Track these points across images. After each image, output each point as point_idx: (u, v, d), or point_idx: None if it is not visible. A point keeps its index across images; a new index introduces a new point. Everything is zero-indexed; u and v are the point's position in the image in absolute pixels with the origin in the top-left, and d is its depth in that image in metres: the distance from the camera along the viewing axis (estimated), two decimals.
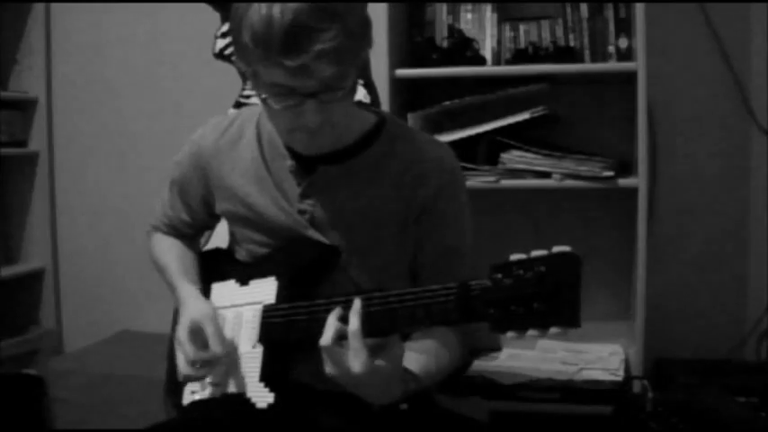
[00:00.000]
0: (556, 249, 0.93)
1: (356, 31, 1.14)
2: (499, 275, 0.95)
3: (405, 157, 1.32)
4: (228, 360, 1.29)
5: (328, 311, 1.14)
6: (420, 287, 1.07)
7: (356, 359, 1.06)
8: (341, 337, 1.08)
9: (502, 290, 0.95)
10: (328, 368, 1.10)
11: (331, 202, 1.32)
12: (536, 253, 0.94)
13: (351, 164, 1.31)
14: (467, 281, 1.01)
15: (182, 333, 1.29)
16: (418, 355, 1.18)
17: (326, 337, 1.09)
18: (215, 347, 1.26)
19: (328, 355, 1.09)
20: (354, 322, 1.07)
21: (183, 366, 1.29)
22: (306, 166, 1.32)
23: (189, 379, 1.30)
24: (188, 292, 1.39)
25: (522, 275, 0.93)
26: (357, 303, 1.08)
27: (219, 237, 1.57)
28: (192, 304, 1.34)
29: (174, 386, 1.44)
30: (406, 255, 1.33)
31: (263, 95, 1.18)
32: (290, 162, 1.33)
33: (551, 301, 0.91)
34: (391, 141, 1.33)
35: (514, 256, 0.96)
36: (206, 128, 1.44)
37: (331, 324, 1.10)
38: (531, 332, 0.93)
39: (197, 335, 1.28)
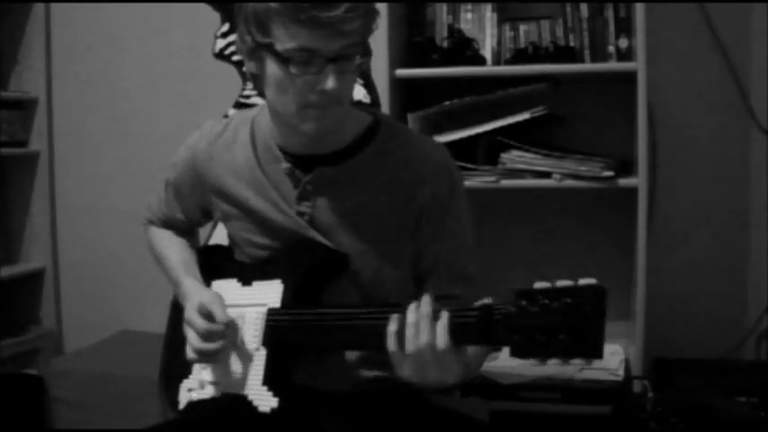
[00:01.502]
0: (582, 282, 0.94)
1: None
2: (524, 302, 0.96)
3: (401, 158, 1.31)
4: (232, 336, 1.30)
5: (346, 320, 1.16)
6: (431, 293, 1.08)
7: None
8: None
9: (527, 317, 0.96)
10: (436, 374, 1.08)
11: (328, 204, 1.32)
12: (561, 283, 0.95)
13: (347, 165, 1.31)
14: (489, 304, 1.02)
15: (191, 313, 1.31)
16: None
17: (444, 341, 1.06)
18: (222, 318, 1.28)
19: (442, 358, 1.06)
20: (442, 334, 1.05)
21: (194, 341, 1.29)
22: (302, 167, 1.32)
23: (200, 355, 1.30)
24: (192, 285, 1.40)
25: (549, 305, 0.94)
26: (445, 316, 1.06)
27: (221, 236, 1.57)
28: (198, 292, 1.37)
29: (169, 384, 1.44)
30: (405, 255, 1.33)
31: (283, 64, 1.17)
32: (285, 164, 1.33)
33: (576, 333, 0.92)
34: (387, 142, 1.33)
35: (539, 284, 0.97)
36: (201, 132, 1.44)
37: (442, 327, 1.07)
38: (552, 361, 0.94)
39: (204, 315, 1.30)
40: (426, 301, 1.08)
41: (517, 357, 0.97)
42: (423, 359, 1.07)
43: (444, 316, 1.06)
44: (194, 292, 1.36)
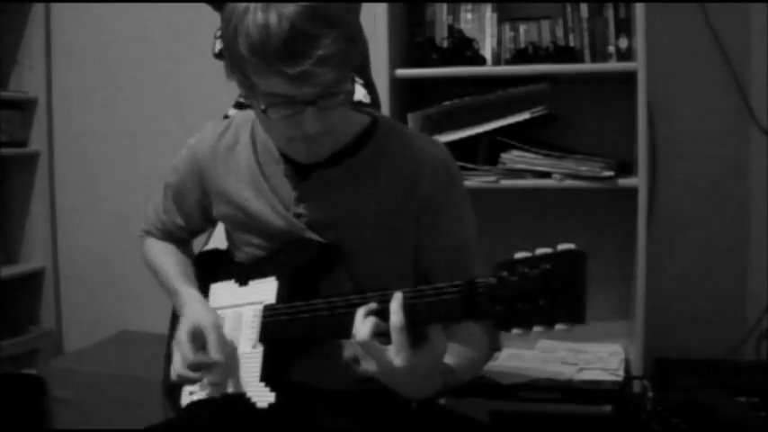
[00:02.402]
0: (561, 247, 0.93)
1: (353, 34, 1.14)
2: (504, 273, 0.96)
3: (398, 157, 1.31)
4: (227, 365, 1.28)
5: (337, 309, 1.14)
6: (427, 286, 1.06)
7: (399, 354, 1.03)
8: (376, 332, 1.06)
9: (507, 287, 0.95)
10: (366, 364, 1.07)
11: (327, 205, 1.31)
12: (541, 251, 0.95)
13: (345, 166, 1.31)
14: (471, 279, 1.01)
15: (182, 334, 1.28)
16: (451, 347, 1.16)
17: (364, 332, 1.05)
18: (214, 355, 1.24)
19: (367, 350, 1.06)
20: (398, 315, 1.04)
21: (178, 366, 1.27)
22: (300, 169, 1.32)
23: (182, 380, 1.29)
24: (190, 295, 1.38)
25: (528, 273, 0.94)
26: (399, 296, 1.05)
27: (219, 238, 1.57)
28: (195, 309, 1.34)
29: (172, 386, 1.44)
30: (406, 254, 1.33)
31: (261, 106, 1.16)
32: (283, 166, 1.33)
33: (557, 298, 0.92)
34: (384, 141, 1.33)
35: (519, 254, 0.96)
36: (203, 133, 1.43)
37: (364, 319, 1.07)
38: (536, 329, 0.94)
39: (197, 338, 1.28)
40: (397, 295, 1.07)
41: (501, 329, 0.97)
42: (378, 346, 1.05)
43: (398, 296, 1.05)
44: (192, 312, 1.33)
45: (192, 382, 1.29)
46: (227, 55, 1.17)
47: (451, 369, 1.17)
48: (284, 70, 1.08)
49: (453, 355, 1.17)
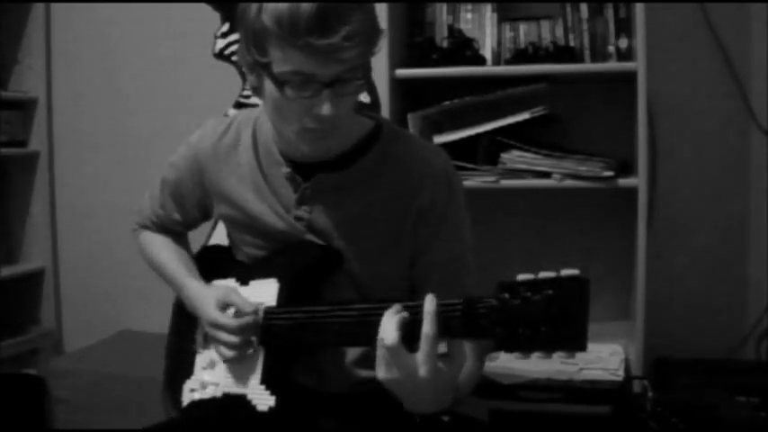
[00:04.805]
0: (564, 272, 0.93)
1: (375, 18, 1.17)
2: (506, 295, 0.95)
3: (402, 164, 1.31)
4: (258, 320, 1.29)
5: (339, 317, 1.14)
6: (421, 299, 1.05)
7: (426, 364, 1.01)
8: (405, 337, 1.03)
9: (509, 311, 0.95)
10: (387, 371, 1.03)
11: (327, 209, 1.31)
12: (544, 274, 0.94)
13: (347, 171, 1.31)
14: (473, 297, 1.00)
15: (214, 314, 1.30)
16: None
17: (393, 337, 1.02)
18: (249, 308, 1.28)
19: (392, 356, 1.02)
20: (431, 324, 1.01)
21: (229, 338, 1.28)
22: (302, 172, 1.32)
23: (238, 350, 1.28)
24: (197, 286, 1.40)
25: (530, 298, 0.93)
26: (431, 303, 1.02)
27: (221, 235, 1.57)
28: (207, 292, 1.36)
29: (173, 384, 1.44)
30: (404, 261, 1.33)
31: (278, 87, 1.16)
32: (285, 169, 1.33)
33: (558, 325, 0.91)
34: (388, 148, 1.32)
35: (522, 277, 0.95)
36: (204, 131, 1.43)
37: (393, 323, 1.03)
38: (536, 354, 0.93)
39: (226, 311, 1.31)
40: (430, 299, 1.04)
41: (502, 350, 0.96)
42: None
43: (430, 303, 1.02)
44: (205, 294, 1.35)
45: (245, 348, 1.29)
46: (245, 32, 1.17)
47: (458, 386, 1.16)
48: (312, 43, 1.09)
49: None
